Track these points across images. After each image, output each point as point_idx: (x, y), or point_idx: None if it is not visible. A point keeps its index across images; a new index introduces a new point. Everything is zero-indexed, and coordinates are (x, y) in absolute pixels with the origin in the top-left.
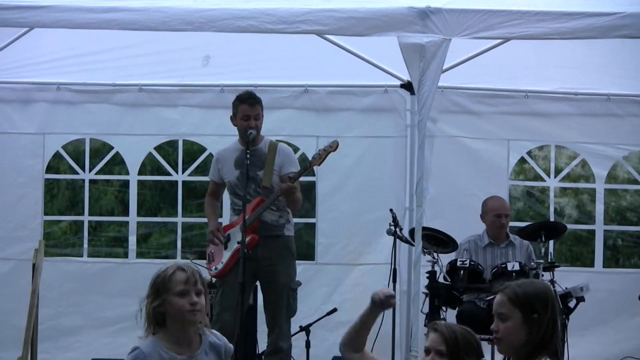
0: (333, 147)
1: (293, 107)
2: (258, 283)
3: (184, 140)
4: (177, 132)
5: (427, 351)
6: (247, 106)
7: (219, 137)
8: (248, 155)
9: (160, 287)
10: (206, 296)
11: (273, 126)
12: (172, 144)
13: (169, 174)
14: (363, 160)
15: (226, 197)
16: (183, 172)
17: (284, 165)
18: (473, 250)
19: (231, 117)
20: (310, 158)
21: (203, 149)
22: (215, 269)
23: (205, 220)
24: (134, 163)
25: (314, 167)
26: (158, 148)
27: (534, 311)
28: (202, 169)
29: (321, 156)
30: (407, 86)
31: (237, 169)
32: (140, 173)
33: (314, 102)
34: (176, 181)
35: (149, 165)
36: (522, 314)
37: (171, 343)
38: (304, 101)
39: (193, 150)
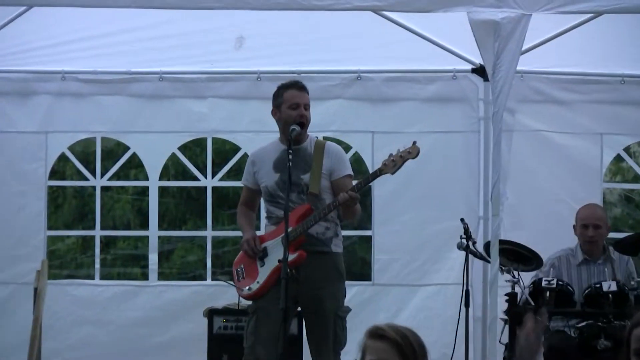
0: (413, 153)
1: (343, 97)
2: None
3: (213, 139)
4: (206, 128)
5: None
6: (296, 91)
7: (255, 134)
8: (290, 156)
9: None
10: None
11: (320, 120)
12: (200, 143)
13: (196, 179)
14: (427, 161)
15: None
16: (213, 177)
17: (335, 168)
18: (564, 267)
19: (272, 110)
20: (376, 163)
21: (236, 149)
22: (249, 289)
23: (240, 234)
24: (154, 166)
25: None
26: (183, 148)
27: None
28: (236, 173)
29: (396, 163)
30: (480, 71)
31: (277, 172)
32: (161, 178)
33: (369, 91)
34: (205, 187)
35: (172, 169)
36: None
37: None
38: (357, 90)
39: (225, 150)
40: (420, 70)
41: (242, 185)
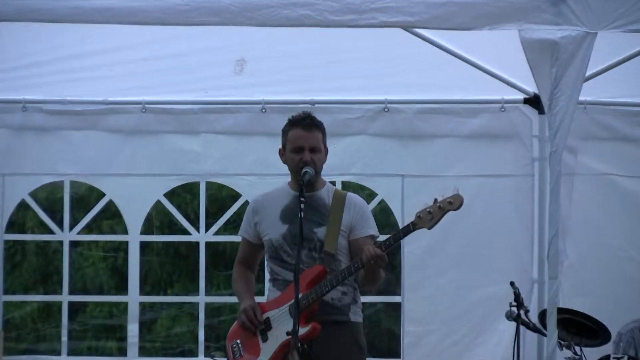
0: (454, 204)
1: (367, 132)
2: None
3: (208, 183)
4: (199, 170)
5: None
6: (302, 130)
7: (259, 177)
8: (302, 205)
9: None
10: None
11: (338, 161)
12: (191, 189)
13: (186, 233)
14: (470, 211)
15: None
16: (207, 230)
17: (355, 225)
18: (638, 341)
19: (280, 149)
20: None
21: (236, 196)
22: None
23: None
24: (135, 217)
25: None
26: (170, 194)
27: None
28: (235, 225)
29: (434, 216)
30: (534, 102)
31: (285, 224)
32: (144, 231)
33: (398, 126)
34: (197, 243)
35: (156, 220)
36: None
37: None
38: (383, 124)
39: (221, 198)
40: (461, 101)
41: (239, 238)
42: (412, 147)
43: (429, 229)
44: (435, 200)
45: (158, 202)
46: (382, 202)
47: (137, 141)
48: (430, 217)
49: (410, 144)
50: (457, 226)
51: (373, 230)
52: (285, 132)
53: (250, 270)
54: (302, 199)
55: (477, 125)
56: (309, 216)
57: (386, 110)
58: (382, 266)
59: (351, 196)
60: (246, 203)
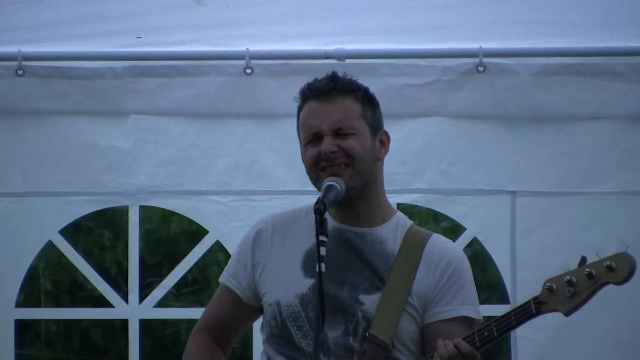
0: (618, 272)
1: (445, 112)
2: None
3: (144, 209)
4: (126, 185)
5: None
6: (315, 102)
7: (240, 198)
8: (322, 250)
9: None
10: None
11: (392, 166)
12: (113, 221)
13: (104, 303)
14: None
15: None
16: (142, 298)
17: (438, 296)
18: None
19: (301, 150)
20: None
21: (198, 232)
22: None
23: None
24: (6, 274)
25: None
26: (74, 231)
27: None
28: (195, 289)
29: (577, 292)
30: None
31: (309, 277)
32: (24, 302)
33: (504, 99)
34: (124, 321)
35: (47, 280)
36: None
37: None
38: (477, 96)
39: (170, 237)
40: (621, 51)
41: (200, 312)
42: (530, 140)
43: (567, 314)
44: (583, 260)
45: (50, 245)
46: (474, 242)
47: (9, 130)
48: (570, 293)
49: (527, 134)
50: (612, 289)
51: (470, 309)
52: (298, 114)
53: (220, 348)
54: (323, 238)
55: None
56: (352, 267)
57: (481, 69)
58: None
59: (437, 241)
60: (216, 246)
